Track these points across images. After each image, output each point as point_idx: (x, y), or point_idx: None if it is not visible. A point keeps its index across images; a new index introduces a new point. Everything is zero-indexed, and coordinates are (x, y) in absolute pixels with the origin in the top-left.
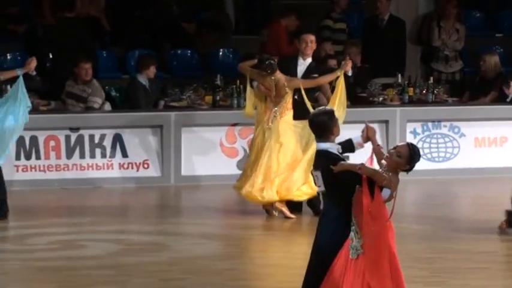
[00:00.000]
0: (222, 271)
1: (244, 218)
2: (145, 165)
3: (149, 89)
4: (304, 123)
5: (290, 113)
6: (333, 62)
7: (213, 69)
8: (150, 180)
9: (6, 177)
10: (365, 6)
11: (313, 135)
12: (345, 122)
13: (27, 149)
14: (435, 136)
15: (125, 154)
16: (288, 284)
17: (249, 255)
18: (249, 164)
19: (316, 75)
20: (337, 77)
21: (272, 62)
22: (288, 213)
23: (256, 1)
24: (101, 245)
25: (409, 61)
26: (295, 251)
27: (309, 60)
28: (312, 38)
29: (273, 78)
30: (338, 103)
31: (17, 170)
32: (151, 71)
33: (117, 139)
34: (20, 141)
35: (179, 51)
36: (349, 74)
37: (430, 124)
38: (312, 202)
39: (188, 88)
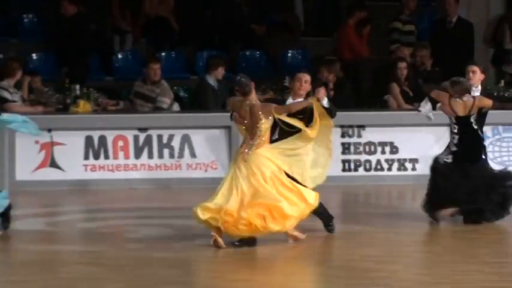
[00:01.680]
0: (288, 273)
1: (312, 220)
2: (214, 166)
3: (218, 90)
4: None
5: (266, 145)
6: (403, 65)
7: (282, 70)
8: (218, 181)
9: (75, 176)
10: (435, 8)
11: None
12: (413, 125)
13: (95, 148)
14: (506, 140)
15: (193, 154)
16: (358, 287)
17: (317, 258)
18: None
19: (301, 116)
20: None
21: (245, 78)
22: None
23: (326, 2)
24: (168, 245)
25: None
26: (368, 253)
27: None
28: (307, 78)
29: (247, 102)
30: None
31: (86, 169)
32: (220, 72)
33: (186, 140)
34: (89, 140)
35: (248, 53)
36: (324, 102)
37: (500, 128)
38: None
39: (257, 89)
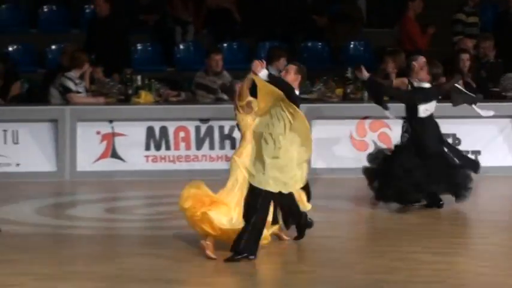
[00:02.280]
0: (351, 265)
1: (374, 211)
2: None
3: None
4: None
5: (248, 146)
6: (466, 56)
7: (344, 62)
8: None
9: (136, 167)
10: (499, 0)
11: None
12: (476, 117)
13: (157, 139)
14: None
15: None
16: (418, 279)
17: (378, 250)
18: None
19: None
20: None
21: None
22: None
23: None
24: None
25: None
26: (428, 245)
27: None
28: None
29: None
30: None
31: (147, 160)
32: (282, 63)
33: None
34: (150, 131)
35: (310, 44)
36: (261, 73)
37: None
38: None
39: (319, 81)
